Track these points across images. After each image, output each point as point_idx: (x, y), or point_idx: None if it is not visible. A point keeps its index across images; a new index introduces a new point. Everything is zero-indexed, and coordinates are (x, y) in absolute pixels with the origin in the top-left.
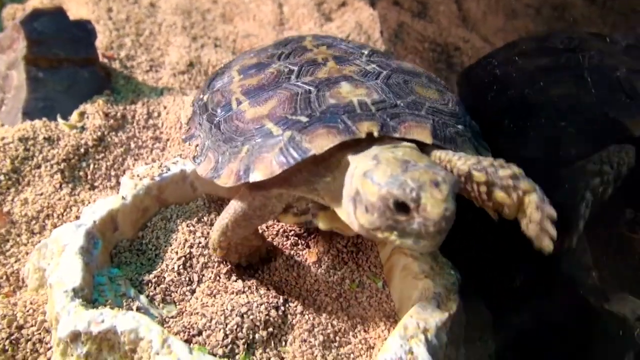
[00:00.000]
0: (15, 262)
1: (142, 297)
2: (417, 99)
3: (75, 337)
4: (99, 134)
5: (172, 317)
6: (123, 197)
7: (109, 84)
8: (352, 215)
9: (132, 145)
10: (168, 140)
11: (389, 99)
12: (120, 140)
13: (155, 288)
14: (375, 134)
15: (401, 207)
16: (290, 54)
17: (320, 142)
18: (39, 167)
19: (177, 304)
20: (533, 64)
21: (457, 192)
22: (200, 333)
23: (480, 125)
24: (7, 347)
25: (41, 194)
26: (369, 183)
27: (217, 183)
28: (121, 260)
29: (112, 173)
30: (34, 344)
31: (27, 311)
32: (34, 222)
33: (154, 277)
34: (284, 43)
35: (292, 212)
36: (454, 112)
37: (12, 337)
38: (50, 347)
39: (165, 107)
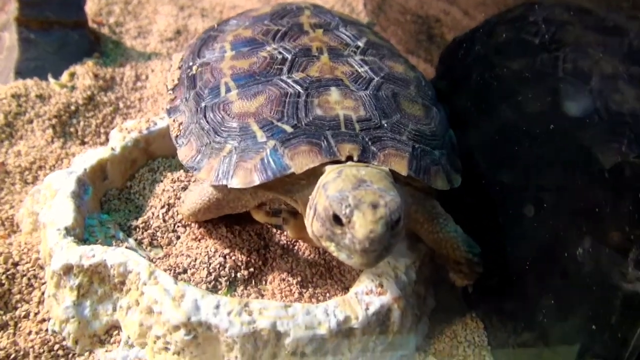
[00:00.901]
0: (10, 208)
1: (131, 240)
2: (402, 118)
3: (68, 269)
4: (89, 93)
5: (158, 258)
6: (112, 148)
7: (98, 47)
8: (309, 220)
9: (121, 105)
10: (156, 101)
11: (375, 118)
12: (110, 99)
13: (142, 233)
14: (355, 158)
15: (338, 220)
16: (286, 33)
17: (301, 161)
18: (31, 122)
19: (164, 247)
20: (509, 66)
21: (396, 220)
22: (185, 271)
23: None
24: (3, 282)
25: (34, 147)
26: (322, 193)
27: (195, 176)
28: (110, 207)
29: (102, 130)
30: (28, 279)
31: (22, 250)
32: (27, 172)
33: (142, 223)
34: (281, 14)
35: (265, 210)
36: (435, 133)
37: (9, 273)
38: (44, 282)
39: (153, 71)
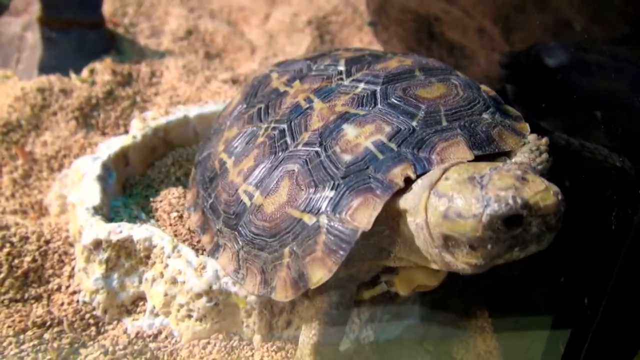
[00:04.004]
0: (38, 193)
1: (152, 221)
2: (429, 107)
3: (97, 244)
4: (108, 88)
5: (176, 236)
6: (134, 137)
7: (115, 46)
8: (454, 263)
9: (138, 99)
10: (171, 96)
11: (403, 125)
12: (127, 94)
13: (162, 215)
14: (412, 176)
15: (512, 221)
16: (267, 107)
17: (363, 215)
18: (55, 114)
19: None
20: None
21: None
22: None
23: None
24: (37, 258)
25: (58, 137)
26: (460, 222)
27: (275, 299)
28: (132, 192)
29: (120, 122)
30: (59, 255)
31: (53, 229)
32: (53, 160)
33: (160, 205)
34: (253, 92)
35: (364, 288)
36: (469, 98)
37: (41, 250)
38: (74, 258)
39: (167, 67)
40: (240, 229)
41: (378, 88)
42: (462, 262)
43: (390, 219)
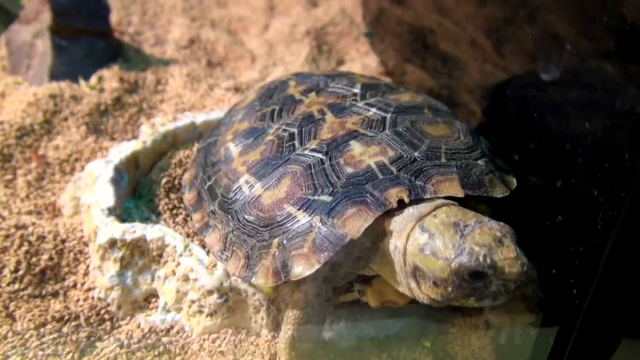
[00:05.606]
0: (52, 195)
1: (162, 222)
2: (432, 143)
3: (112, 243)
4: (116, 95)
5: (188, 236)
6: (144, 142)
7: (121, 53)
8: (416, 290)
9: (145, 106)
10: (176, 103)
11: (405, 153)
12: (134, 101)
13: (171, 216)
14: (406, 199)
15: (476, 275)
16: (281, 110)
17: (354, 224)
18: (66, 119)
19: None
20: None
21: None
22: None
23: None
24: (53, 256)
25: (70, 141)
26: (432, 260)
27: (254, 283)
28: (141, 194)
29: (128, 128)
30: (75, 254)
31: (68, 229)
32: (65, 163)
33: (169, 207)
34: (269, 94)
35: (338, 292)
36: (469, 144)
37: (57, 248)
38: (89, 257)
39: (172, 75)
40: (234, 213)
41: (388, 115)
42: (423, 292)
43: (374, 234)
